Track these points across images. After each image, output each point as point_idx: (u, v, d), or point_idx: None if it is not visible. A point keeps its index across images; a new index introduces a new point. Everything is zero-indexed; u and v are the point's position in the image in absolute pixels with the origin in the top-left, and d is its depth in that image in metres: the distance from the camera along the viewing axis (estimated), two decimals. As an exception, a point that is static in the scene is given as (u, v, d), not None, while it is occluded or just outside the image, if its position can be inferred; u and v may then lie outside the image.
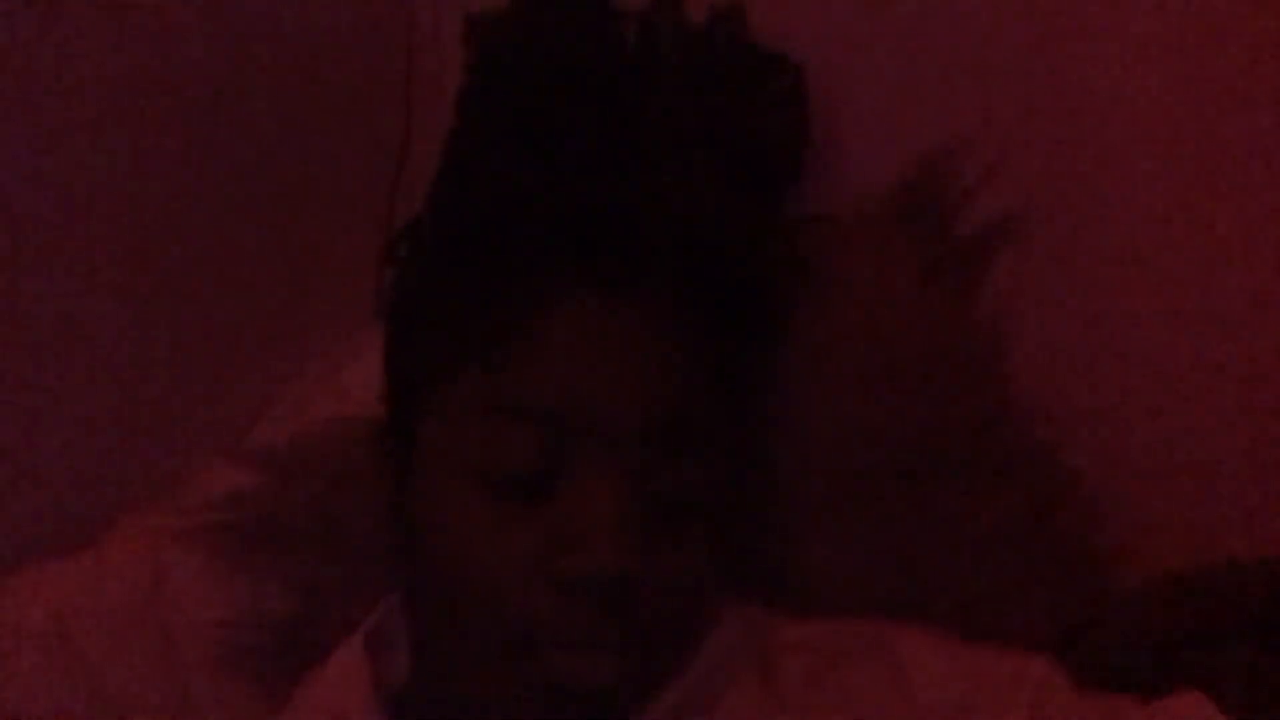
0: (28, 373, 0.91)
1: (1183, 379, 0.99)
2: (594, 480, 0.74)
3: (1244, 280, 0.97)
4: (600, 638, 0.73)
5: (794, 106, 0.93)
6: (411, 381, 0.80)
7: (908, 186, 0.97)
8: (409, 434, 0.79)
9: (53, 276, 0.91)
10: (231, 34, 0.97)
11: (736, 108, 0.88)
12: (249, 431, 0.98)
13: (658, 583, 0.74)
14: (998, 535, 0.91)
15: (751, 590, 0.86)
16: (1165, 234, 0.99)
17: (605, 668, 0.73)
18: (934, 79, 1.03)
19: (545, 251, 0.76)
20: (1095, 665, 0.83)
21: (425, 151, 0.89)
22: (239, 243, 0.99)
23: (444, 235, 0.80)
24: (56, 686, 0.87)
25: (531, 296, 0.75)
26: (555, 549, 0.73)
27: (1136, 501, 0.97)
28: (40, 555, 0.91)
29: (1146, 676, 0.81)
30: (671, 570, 0.75)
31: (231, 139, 0.98)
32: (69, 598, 0.90)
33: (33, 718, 0.85)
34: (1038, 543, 0.92)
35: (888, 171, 0.98)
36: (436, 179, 0.82)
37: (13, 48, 0.87)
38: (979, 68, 1.01)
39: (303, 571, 0.91)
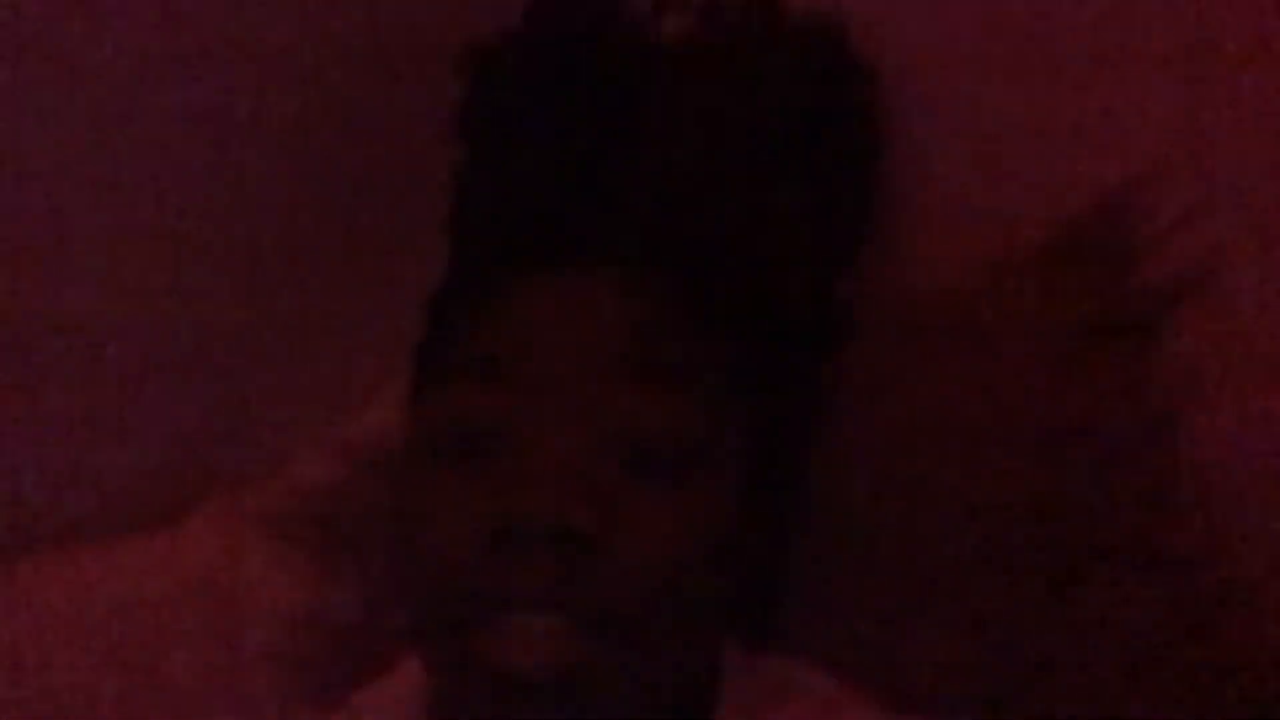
0: (118, 353, 0.90)
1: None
2: (538, 426, 0.66)
3: None
4: (548, 600, 0.63)
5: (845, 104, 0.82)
6: (417, 359, 0.76)
7: (1077, 226, 0.84)
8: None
9: (154, 259, 0.91)
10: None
11: (763, 94, 0.78)
12: (345, 422, 0.94)
13: (629, 542, 0.64)
14: (1145, 637, 0.78)
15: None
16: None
17: (556, 642, 0.63)
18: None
19: (526, 244, 0.72)
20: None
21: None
22: (346, 233, 0.96)
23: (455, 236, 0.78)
24: (112, 664, 0.86)
25: (512, 277, 0.71)
26: (491, 502, 0.65)
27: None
28: (119, 536, 0.91)
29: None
30: (650, 531, 0.65)
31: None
32: (140, 574, 0.90)
33: (83, 691, 0.84)
34: (1192, 649, 0.79)
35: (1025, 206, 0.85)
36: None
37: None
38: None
39: (374, 575, 0.87)
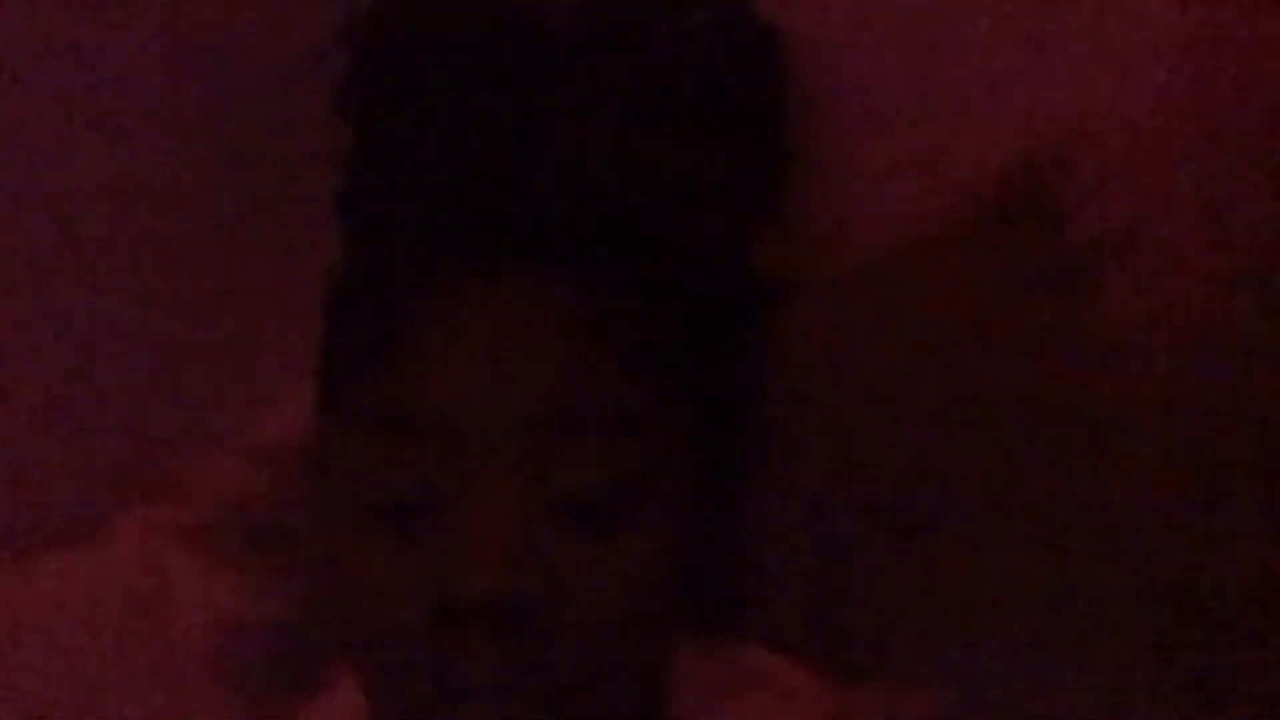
0: (32, 366, 0.88)
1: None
2: (479, 490, 0.63)
3: None
4: (503, 681, 0.61)
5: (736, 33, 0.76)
6: (320, 393, 0.71)
7: (1006, 185, 0.82)
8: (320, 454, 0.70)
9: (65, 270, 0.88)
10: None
11: (661, 52, 0.72)
12: (262, 427, 0.91)
13: (576, 604, 0.62)
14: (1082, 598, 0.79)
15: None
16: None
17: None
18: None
19: (429, 239, 0.66)
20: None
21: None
22: (256, 237, 0.92)
23: (349, 229, 0.72)
24: (48, 688, 0.83)
25: (417, 293, 0.65)
26: (433, 578, 0.63)
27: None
28: (38, 550, 0.88)
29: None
30: (596, 587, 0.63)
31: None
32: (66, 594, 0.86)
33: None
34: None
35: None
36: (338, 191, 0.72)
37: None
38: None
39: (304, 579, 0.85)
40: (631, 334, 0.65)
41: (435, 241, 0.66)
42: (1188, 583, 0.78)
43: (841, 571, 0.80)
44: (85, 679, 0.84)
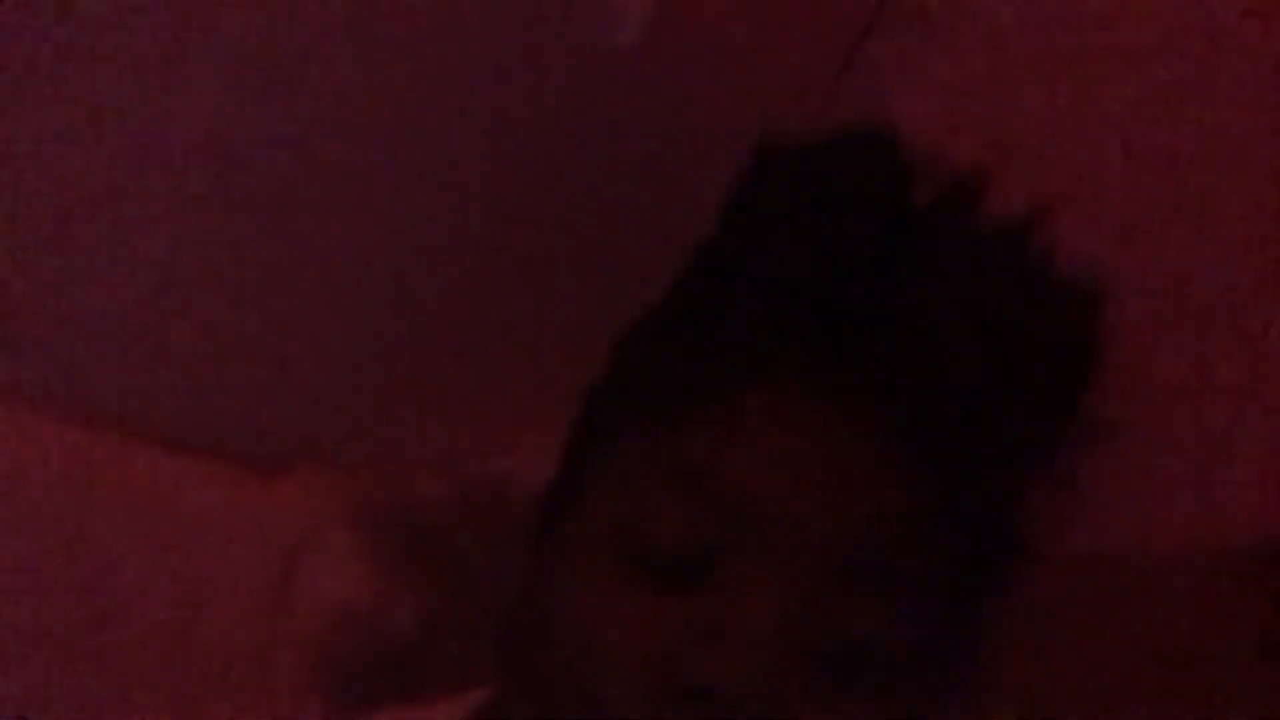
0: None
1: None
2: (752, 577, 0.60)
3: None
4: None
5: (1084, 334, 0.76)
6: (587, 443, 0.69)
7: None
8: (570, 499, 0.68)
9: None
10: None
11: (1014, 311, 0.72)
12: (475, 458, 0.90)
13: None
14: None
15: None
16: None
17: None
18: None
19: (775, 339, 0.65)
20: None
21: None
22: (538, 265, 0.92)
23: (670, 312, 0.70)
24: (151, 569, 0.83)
25: (742, 375, 0.64)
26: (687, 651, 0.60)
27: None
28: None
29: None
30: None
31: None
32: (208, 502, 0.86)
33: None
34: None
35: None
36: (680, 269, 0.72)
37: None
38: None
39: (438, 602, 0.84)
40: (918, 493, 0.64)
41: (766, 335, 0.65)
42: None
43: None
44: (211, 600, 0.84)
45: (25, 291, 0.84)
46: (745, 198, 0.72)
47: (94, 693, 0.82)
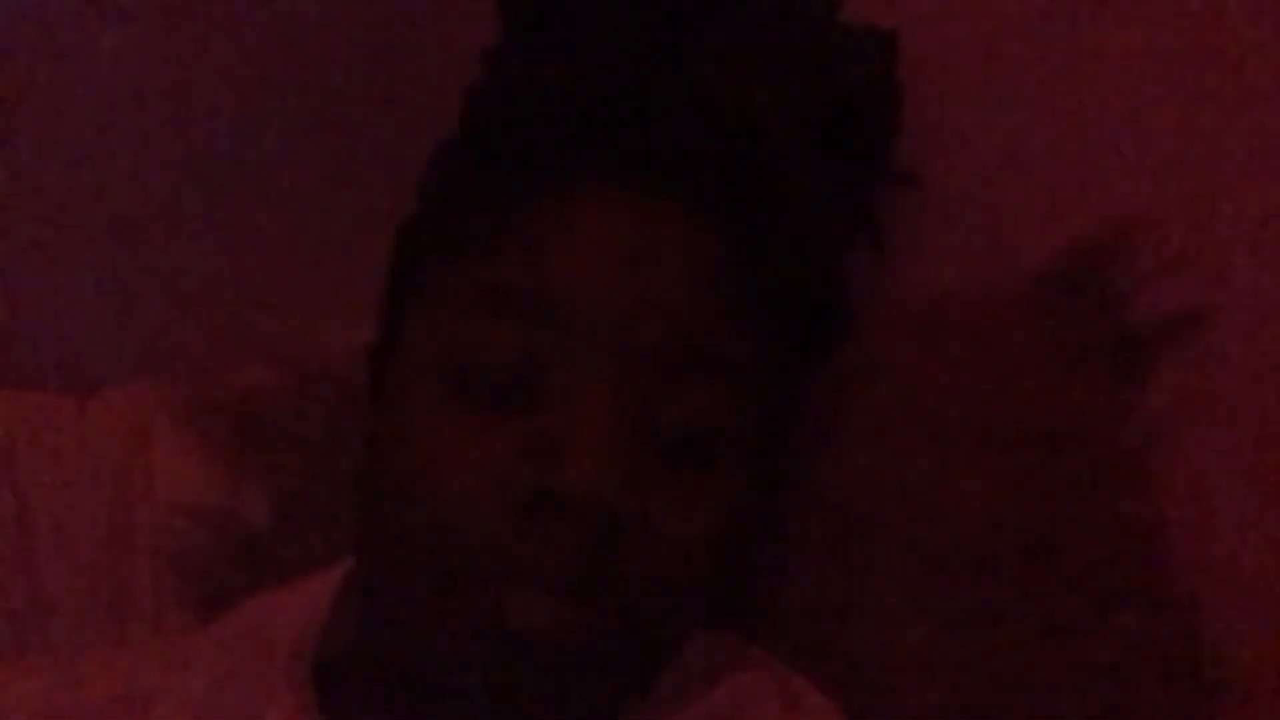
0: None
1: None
2: (583, 387, 0.60)
3: None
4: (570, 579, 0.58)
5: (882, 74, 0.78)
6: (403, 278, 0.68)
7: (1072, 258, 0.83)
8: (393, 342, 0.68)
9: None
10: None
11: (812, 55, 0.73)
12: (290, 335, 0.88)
13: (649, 526, 0.60)
14: (1101, 657, 0.76)
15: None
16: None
17: (571, 620, 0.59)
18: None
19: (572, 144, 0.64)
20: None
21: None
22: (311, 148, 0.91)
23: (466, 134, 0.69)
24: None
25: (547, 185, 0.64)
26: (527, 462, 0.59)
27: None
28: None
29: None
30: (671, 523, 0.61)
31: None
32: (33, 431, 0.83)
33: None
34: (1145, 677, 0.77)
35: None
36: (471, 87, 0.71)
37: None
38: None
39: (288, 486, 0.82)
40: (739, 280, 0.64)
41: (562, 141, 0.65)
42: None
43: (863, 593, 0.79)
44: (33, 526, 0.81)
45: None
46: None
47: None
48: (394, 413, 0.65)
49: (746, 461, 0.65)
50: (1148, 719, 0.75)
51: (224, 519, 0.82)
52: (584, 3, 0.69)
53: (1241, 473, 0.82)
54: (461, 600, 0.59)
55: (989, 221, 0.87)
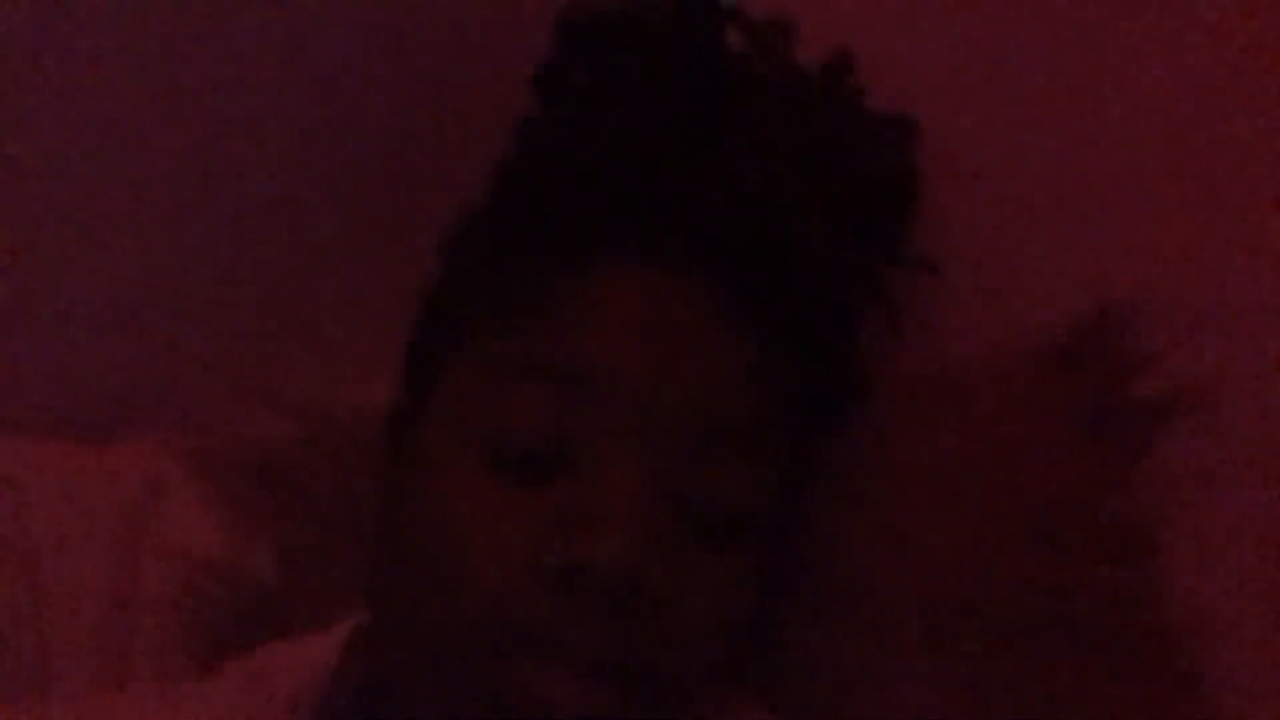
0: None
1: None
2: (614, 458, 0.61)
3: None
4: (595, 653, 0.59)
5: (903, 161, 0.80)
6: (431, 348, 0.70)
7: (1078, 330, 0.84)
8: (418, 408, 0.69)
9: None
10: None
11: (837, 144, 0.75)
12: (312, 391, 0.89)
13: (676, 601, 0.61)
14: None
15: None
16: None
17: (595, 694, 0.59)
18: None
19: (606, 221, 0.66)
20: None
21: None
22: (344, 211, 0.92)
23: (498, 205, 0.71)
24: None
25: (579, 259, 0.65)
26: (557, 534, 0.60)
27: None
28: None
29: None
30: (697, 596, 0.62)
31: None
32: (46, 479, 0.84)
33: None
34: None
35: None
36: (501, 157, 0.73)
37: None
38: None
39: (296, 539, 0.82)
40: (764, 357, 0.66)
41: (597, 217, 0.67)
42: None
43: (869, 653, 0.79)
44: (53, 575, 0.82)
45: None
46: (555, 73, 0.73)
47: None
48: (422, 477, 0.65)
49: (762, 540, 0.66)
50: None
51: (233, 571, 0.83)
52: (620, 82, 0.71)
53: (1247, 544, 0.82)
54: (483, 668, 0.60)
55: (999, 295, 0.88)
